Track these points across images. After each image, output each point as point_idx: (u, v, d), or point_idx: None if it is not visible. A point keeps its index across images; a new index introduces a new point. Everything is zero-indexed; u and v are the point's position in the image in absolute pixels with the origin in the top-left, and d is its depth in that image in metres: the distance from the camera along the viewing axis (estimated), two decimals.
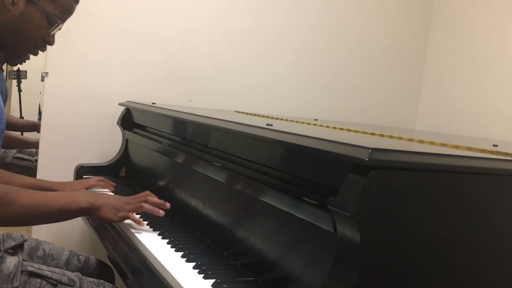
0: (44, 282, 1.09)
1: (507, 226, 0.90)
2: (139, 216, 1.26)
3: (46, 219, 1.11)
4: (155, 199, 1.23)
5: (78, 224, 1.87)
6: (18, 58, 1.21)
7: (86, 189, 1.51)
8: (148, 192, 1.25)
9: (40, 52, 1.22)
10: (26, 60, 1.20)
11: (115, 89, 1.97)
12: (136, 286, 1.06)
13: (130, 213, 1.18)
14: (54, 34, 1.19)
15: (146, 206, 1.20)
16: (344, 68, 2.48)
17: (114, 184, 1.60)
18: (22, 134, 2.72)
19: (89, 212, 1.15)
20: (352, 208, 0.69)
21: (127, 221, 1.22)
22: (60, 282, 1.10)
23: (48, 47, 1.23)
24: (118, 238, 1.24)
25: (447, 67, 2.57)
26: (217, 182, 1.18)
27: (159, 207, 1.22)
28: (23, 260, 1.13)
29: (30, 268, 1.10)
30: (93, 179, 1.57)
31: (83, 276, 1.17)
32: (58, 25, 1.17)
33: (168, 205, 1.24)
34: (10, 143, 2.33)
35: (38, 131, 2.05)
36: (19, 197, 1.01)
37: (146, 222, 1.26)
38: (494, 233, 0.89)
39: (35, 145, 2.11)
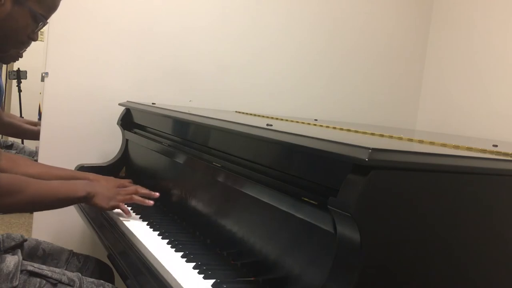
0: (44, 281, 1.09)
1: (507, 226, 0.90)
2: (130, 208, 1.35)
3: (49, 206, 1.24)
4: (144, 190, 1.34)
5: (78, 224, 1.87)
6: (3, 54, 1.24)
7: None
8: (138, 186, 1.36)
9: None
10: (19, 59, 1.21)
11: (115, 89, 1.97)
12: (136, 286, 1.06)
13: (120, 203, 1.27)
14: (38, 31, 1.22)
15: (136, 197, 1.30)
16: (344, 68, 2.48)
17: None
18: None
19: (85, 200, 1.23)
20: (352, 208, 0.69)
21: (117, 210, 1.32)
22: (60, 282, 1.10)
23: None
24: (118, 238, 1.24)
25: (447, 67, 2.57)
26: (217, 182, 1.18)
27: (148, 197, 1.32)
28: (23, 259, 1.13)
29: (30, 268, 1.10)
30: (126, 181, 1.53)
31: (83, 276, 1.17)
32: (44, 24, 1.19)
33: (157, 194, 1.34)
34: (12, 132, 2.33)
35: (37, 139, 2.05)
36: (28, 186, 1.11)
37: (146, 222, 1.27)
38: (494, 233, 0.89)
39: (37, 135, 2.09)
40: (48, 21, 1.21)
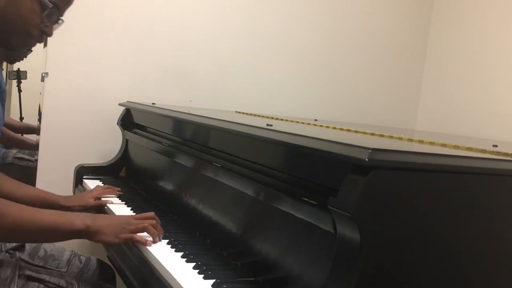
0: (42, 285, 1.08)
1: (507, 226, 0.91)
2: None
3: (36, 237, 1.05)
4: (158, 225, 1.14)
5: None
6: (14, 50, 1.15)
7: (95, 199, 1.43)
8: (153, 214, 1.15)
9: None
10: (24, 58, 1.19)
11: (115, 89, 1.97)
12: (136, 287, 1.06)
13: (134, 235, 1.07)
14: (51, 25, 1.11)
15: (152, 229, 1.10)
16: (344, 68, 2.48)
17: (120, 188, 1.56)
18: (22, 135, 2.73)
19: (86, 235, 1.05)
20: (352, 208, 0.69)
21: None
22: (58, 286, 1.10)
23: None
24: None
25: (447, 67, 2.57)
26: (217, 182, 1.18)
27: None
28: (22, 262, 1.12)
29: (27, 272, 1.09)
30: (100, 188, 1.50)
31: (82, 280, 1.16)
32: (51, 10, 1.07)
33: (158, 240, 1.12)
34: (12, 142, 2.34)
35: (38, 134, 2.05)
36: (11, 209, 0.95)
37: None
38: (494, 233, 0.89)
39: (35, 147, 2.12)
40: (60, 12, 1.10)
